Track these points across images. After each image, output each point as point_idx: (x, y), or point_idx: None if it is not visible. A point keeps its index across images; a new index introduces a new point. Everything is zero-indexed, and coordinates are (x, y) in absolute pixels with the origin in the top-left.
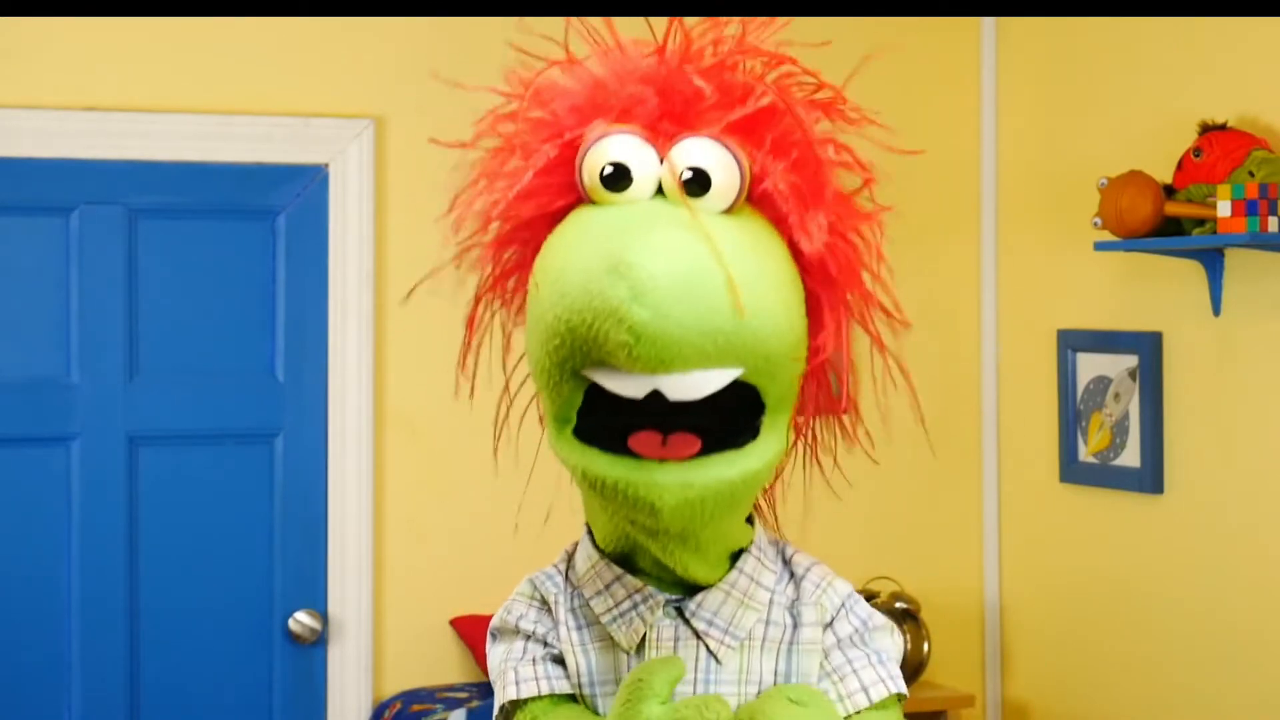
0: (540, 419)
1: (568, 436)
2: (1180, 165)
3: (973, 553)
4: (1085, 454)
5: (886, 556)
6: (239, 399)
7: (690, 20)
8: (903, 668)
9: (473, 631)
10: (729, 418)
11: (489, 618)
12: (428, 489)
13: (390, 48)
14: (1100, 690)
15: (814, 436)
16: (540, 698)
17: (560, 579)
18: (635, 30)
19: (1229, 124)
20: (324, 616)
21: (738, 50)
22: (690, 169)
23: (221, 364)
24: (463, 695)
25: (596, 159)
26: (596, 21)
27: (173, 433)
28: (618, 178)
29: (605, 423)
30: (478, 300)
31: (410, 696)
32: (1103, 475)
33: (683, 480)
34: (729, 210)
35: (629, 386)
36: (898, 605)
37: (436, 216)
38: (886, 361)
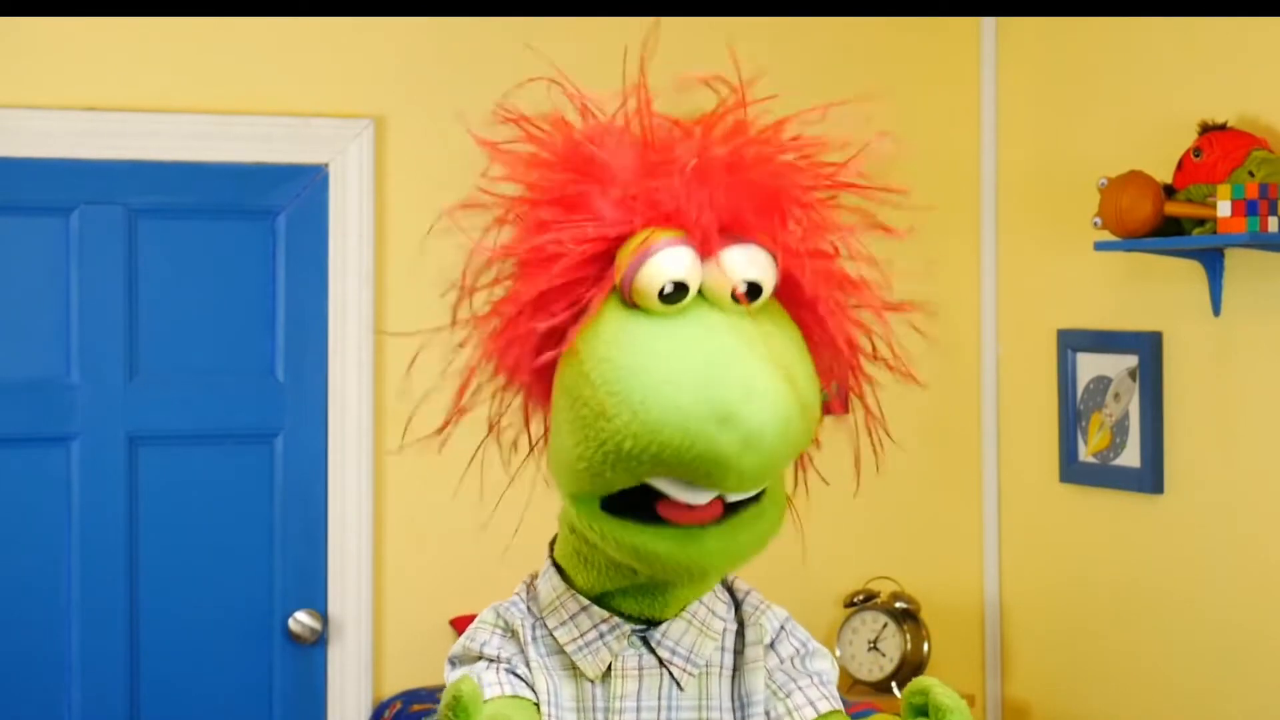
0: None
1: (598, 513)
2: (1180, 165)
3: (973, 553)
4: (1085, 454)
5: (886, 556)
6: (239, 399)
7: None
8: (902, 668)
9: None
10: None
11: None
12: (428, 489)
13: (390, 48)
14: (1100, 690)
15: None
16: (502, 698)
17: (523, 606)
18: (632, 28)
19: (1229, 124)
20: (324, 616)
21: (762, 143)
22: (747, 282)
23: (221, 364)
24: None
25: (655, 273)
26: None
27: (173, 433)
28: (678, 294)
29: (629, 494)
30: (470, 374)
31: (410, 696)
32: (1103, 475)
33: (730, 545)
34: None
35: (696, 496)
36: (898, 605)
37: (438, 235)
38: (873, 422)
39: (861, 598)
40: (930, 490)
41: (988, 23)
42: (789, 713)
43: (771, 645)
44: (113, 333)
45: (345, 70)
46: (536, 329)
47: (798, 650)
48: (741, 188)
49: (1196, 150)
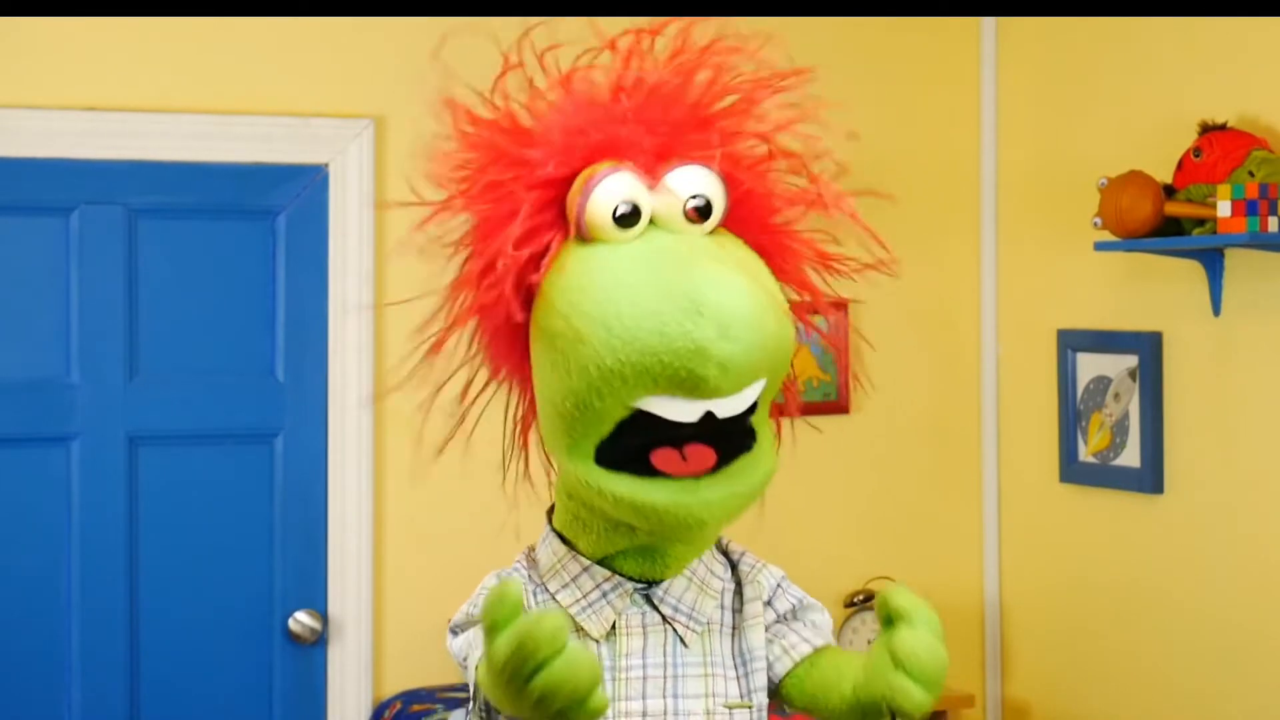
0: (534, 445)
1: (595, 469)
2: (1180, 165)
3: (973, 553)
4: (1085, 454)
5: (886, 556)
6: (239, 399)
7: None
8: None
9: None
10: (724, 422)
11: None
12: (428, 489)
13: (390, 48)
14: (1100, 690)
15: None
16: None
17: (524, 574)
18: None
19: (1229, 124)
20: (324, 616)
21: (697, 58)
22: (695, 197)
23: (221, 364)
24: (463, 695)
25: (604, 198)
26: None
27: (173, 433)
28: (632, 217)
29: (618, 445)
30: (442, 339)
31: (410, 696)
32: (1103, 475)
33: (728, 493)
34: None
35: (686, 412)
36: None
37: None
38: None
39: (861, 598)
40: (930, 490)
41: (988, 23)
42: (785, 651)
43: (769, 602)
44: (113, 333)
45: (345, 70)
46: (505, 288)
47: (794, 606)
48: (673, 108)
49: (1196, 150)
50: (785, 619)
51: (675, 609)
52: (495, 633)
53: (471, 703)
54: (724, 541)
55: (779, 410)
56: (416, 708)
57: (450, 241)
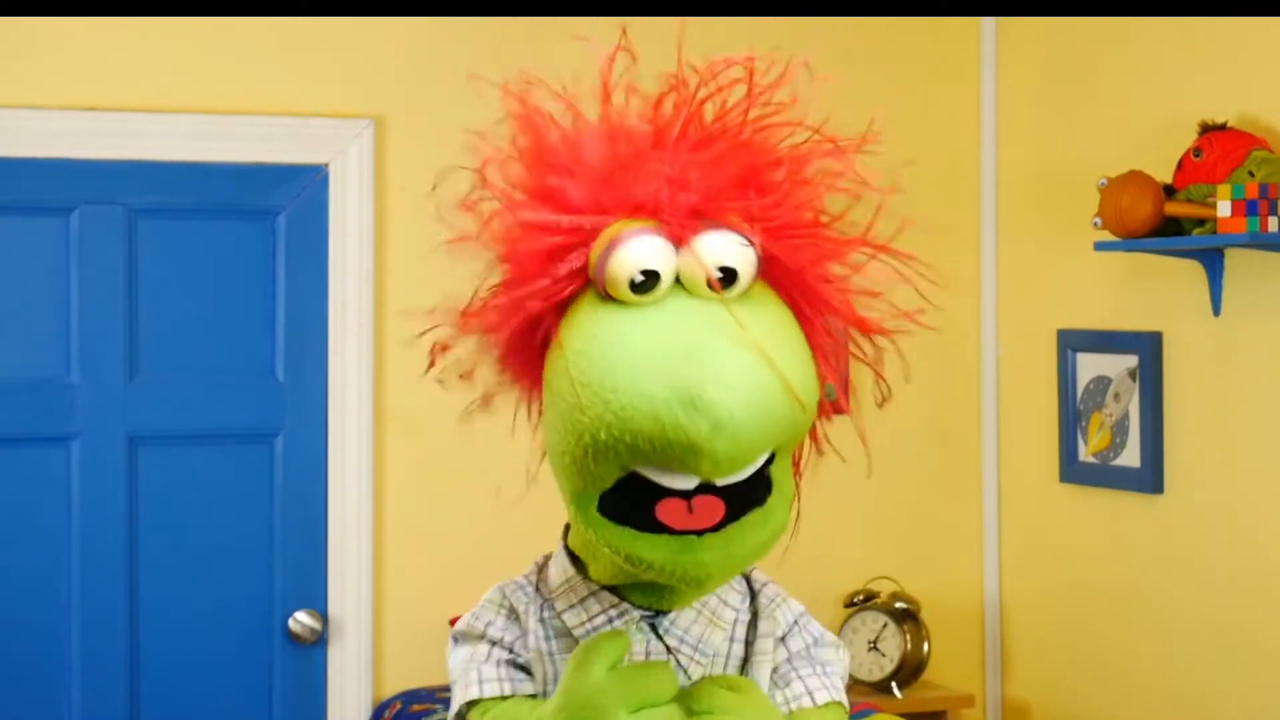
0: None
1: (596, 517)
2: (1180, 165)
3: (973, 553)
4: (1085, 454)
5: (886, 556)
6: (239, 399)
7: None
8: (902, 668)
9: None
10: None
11: None
12: (428, 489)
13: (390, 48)
14: (1100, 690)
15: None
16: (503, 697)
17: (530, 589)
18: (634, 28)
19: (1229, 124)
20: (324, 616)
21: (738, 121)
22: (720, 269)
23: (221, 364)
24: None
25: (624, 263)
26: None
27: (173, 433)
28: (649, 284)
29: (626, 500)
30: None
31: (410, 696)
32: (1103, 475)
33: (726, 555)
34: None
35: (682, 483)
36: (898, 605)
37: (434, 248)
38: (880, 379)
39: (861, 598)
40: (930, 490)
41: (988, 23)
42: (785, 702)
43: (783, 639)
44: (113, 333)
45: (345, 70)
46: (516, 325)
47: (807, 644)
48: (713, 168)
49: (1196, 150)
50: (795, 659)
51: (681, 640)
52: (592, 664)
53: None
54: (748, 569)
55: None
56: (416, 708)
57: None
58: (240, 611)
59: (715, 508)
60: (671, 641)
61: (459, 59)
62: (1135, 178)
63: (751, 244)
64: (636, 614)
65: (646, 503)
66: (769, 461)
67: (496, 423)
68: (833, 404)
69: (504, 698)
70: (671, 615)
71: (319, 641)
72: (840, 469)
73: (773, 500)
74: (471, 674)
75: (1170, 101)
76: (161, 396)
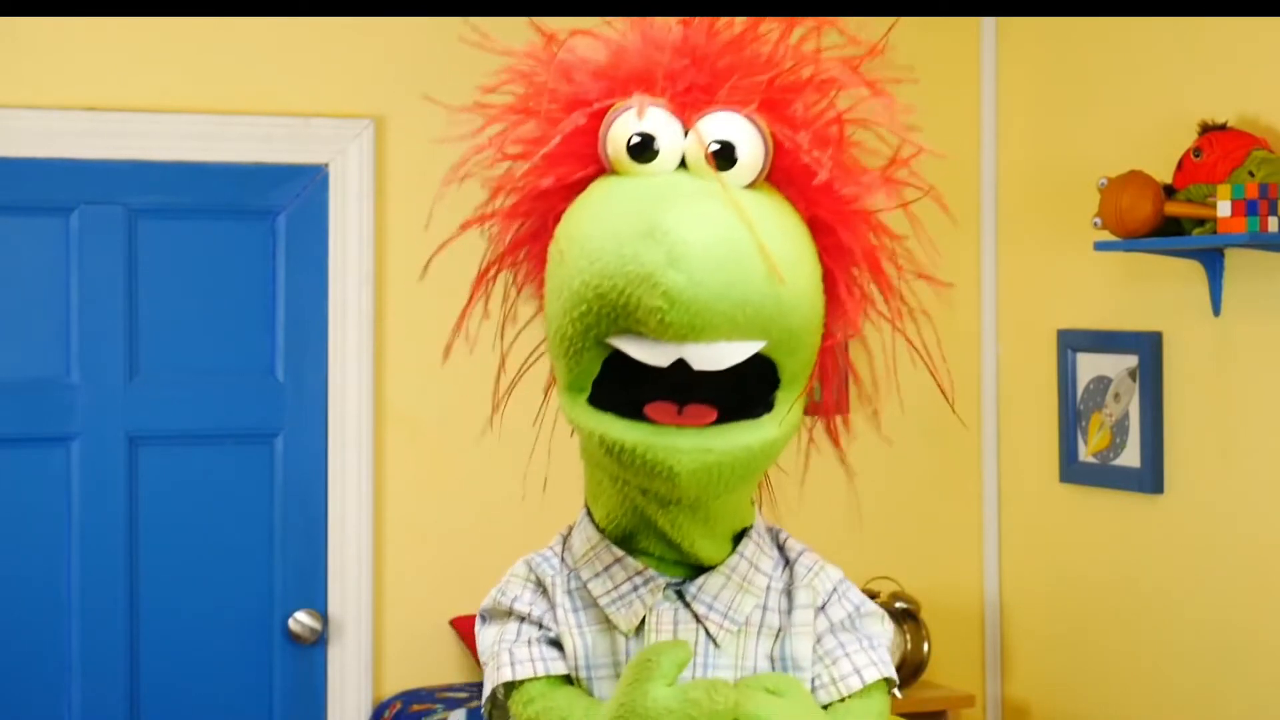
0: (548, 388)
1: (583, 404)
2: (1180, 165)
3: (973, 553)
4: (1085, 454)
5: (886, 556)
6: (239, 399)
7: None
8: (902, 668)
9: (472, 631)
10: (744, 391)
11: None
12: (428, 489)
13: (390, 48)
14: (1100, 690)
15: (833, 419)
16: (537, 679)
17: (556, 561)
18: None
19: (1229, 124)
20: (324, 616)
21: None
22: (717, 142)
23: (221, 364)
24: (463, 695)
25: (622, 129)
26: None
27: (173, 433)
28: (644, 148)
29: (621, 392)
30: (486, 270)
31: (410, 696)
32: (1103, 475)
33: (702, 445)
34: (752, 185)
35: (654, 354)
36: (898, 605)
37: (441, 194)
38: (910, 344)
39: None
40: (930, 490)
41: (988, 23)
42: (833, 682)
43: (823, 608)
44: (113, 333)
45: (345, 70)
46: (531, 209)
47: (850, 614)
48: (730, 52)
49: (1196, 150)
50: (839, 631)
51: (710, 607)
52: (652, 681)
53: (488, 704)
54: (781, 536)
55: (817, 409)
56: (416, 708)
57: (494, 175)
58: (240, 611)
59: (704, 413)
60: (700, 609)
61: (459, 59)
62: (1135, 178)
63: (758, 127)
64: (663, 580)
65: (636, 402)
66: (769, 383)
67: (497, 423)
68: (831, 404)
69: (540, 679)
70: (699, 581)
71: (319, 641)
72: (840, 468)
73: (768, 419)
74: (504, 655)
75: (1170, 101)
76: (161, 396)
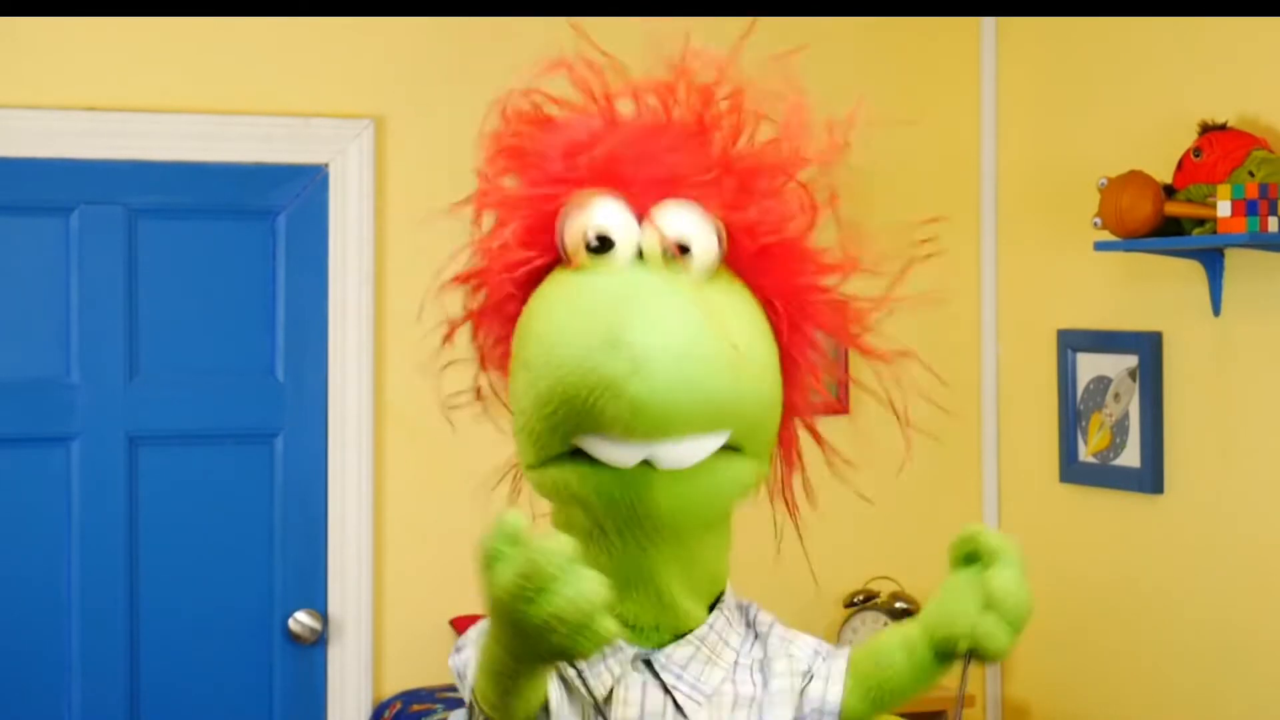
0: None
1: (546, 467)
2: (1180, 165)
3: None
4: (1085, 454)
5: (886, 556)
6: (239, 399)
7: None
8: None
9: None
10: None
11: None
12: (428, 489)
13: (390, 48)
14: (1100, 690)
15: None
16: None
17: None
18: (631, 30)
19: (1229, 124)
20: (324, 616)
21: (721, 101)
22: (673, 236)
23: (221, 364)
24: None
25: (580, 226)
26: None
27: (173, 433)
28: (603, 248)
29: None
30: (458, 326)
31: (410, 696)
32: (1103, 475)
33: (674, 476)
34: (707, 275)
35: (621, 455)
36: (898, 605)
37: (435, 221)
38: (902, 393)
39: (861, 598)
40: (930, 490)
41: (988, 23)
42: (827, 679)
43: (808, 670)
44: (113, 333)
45: (345, 70)
46: (492, 301)
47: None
48: (686, 145)
49: (1196, 150)
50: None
51: (679, 677)
52: (497, 562)
53: (468, 714)
54: (751, 612)
55: (789, 462)
56: (416, 708)
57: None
58: (240, 611)
59: None
60: (668, 678)
61: (459, 59)
62: (1135, 178)
63: (712, 221)
64: (631, 651)
65: None
66: (728, 448)
67: (497, 422)
68: (835, 402)
69: None
70: (667, 650)
71: (319, 641)
72: (840, 468)
73: (737, 458)
74: (474, 664)
75: (1170, 101)
76: (161, 396)
